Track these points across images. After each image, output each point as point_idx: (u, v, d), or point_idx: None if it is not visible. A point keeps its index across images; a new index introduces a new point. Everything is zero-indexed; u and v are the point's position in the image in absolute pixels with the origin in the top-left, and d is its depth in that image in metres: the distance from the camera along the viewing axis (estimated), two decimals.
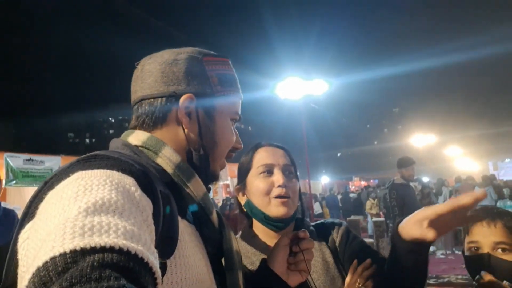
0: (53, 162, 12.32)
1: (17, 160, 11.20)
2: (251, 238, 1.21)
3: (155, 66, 0.82)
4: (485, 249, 1.20)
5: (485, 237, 1.21)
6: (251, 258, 1.16)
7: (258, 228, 1.22)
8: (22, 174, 11.22)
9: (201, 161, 0.81)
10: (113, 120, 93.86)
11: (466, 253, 1.27)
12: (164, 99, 0.80)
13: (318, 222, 1.33)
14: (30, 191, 12.09)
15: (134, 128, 0.83)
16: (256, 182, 1.17)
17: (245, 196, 1.23)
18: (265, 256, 1.07)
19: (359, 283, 1.11)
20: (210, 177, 0.83)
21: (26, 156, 11.54)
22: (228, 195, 14.41)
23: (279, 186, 1.14)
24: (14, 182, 10.64)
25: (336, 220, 1.32)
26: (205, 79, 0.83)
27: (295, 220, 1.23)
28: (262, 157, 1.20)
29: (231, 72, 0.89)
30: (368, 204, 11.43)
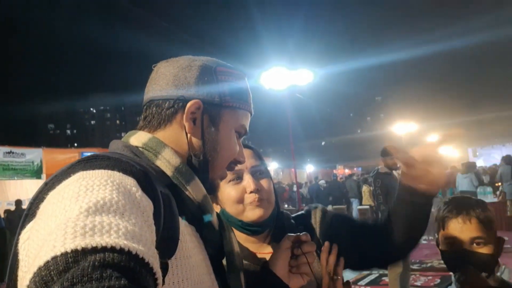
0: (34, 155, 12.11)
1: None
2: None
3: (169, 70, 0.83)
4: (462, 244, 1.23)
5: (461, 233, 1.24)
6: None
7: (238, 235, 1.14)
8: (3, 167, 11.00)
9: (200, 166, 0.81)
10: (94, 111, 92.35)
11: (442, 247, 1.31)
12: (171, 101, 0.80)
13: (297, 214, 1.29)
14: (11, 184, 11.91)
15: (140, 129, 0.84)
16: (227, 191, 1.11)
17: (218, 205, 1.17)
18: (248, 263, 1.07)
19: (331, 274, 1.09)
20: (208, 186, 0.82)
21: (7, 148, 11.31)
22: None
23: (251, 192, 1.09)
24: None
25: (312, 205, 1.29)
26: (215, 88, 0.82)
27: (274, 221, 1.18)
28: None
29: (243, 86, 0.89)
30: (366, 190, 11.39)
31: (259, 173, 1.14)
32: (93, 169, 0.58)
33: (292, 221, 1.22)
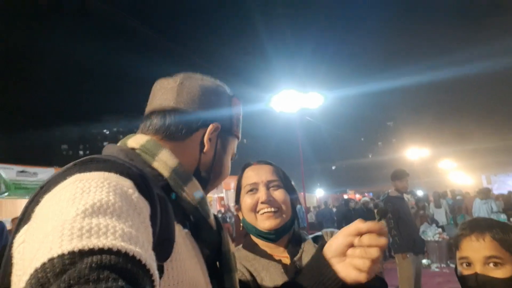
0: (46, 174, 12.24)
1: (10, 171, 11.10)
2: (252, 246, 1.27)
3: (195, 86, 0.88)
4: (476, 264, 1.17)
5: (475, 251, 1.18)
6: (251, 262, 1.21)
7: (256, 241, 1.28)
8: (15, 186, 11.11)
9: (205, 180, 0.87)
10: (107, 132, 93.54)
11: (459, 269, 1.24)
12: (196, 118, 0.86)
13: (315, 234, 1.35)
14: (23, 203, 11.96)
15: (145, 133, 0.86)
16: (244, 201, 1.26)
17: (241, 214, 1.31)
18: (266, 260, 1.18)
19: None
20: None
21: (19, 167, 11.45)
22: (221, 208, 14.33)
23: (262, 202, 1.21)
24: (6, 194, 10.54)
25: (329, 229, 1.36)
26: (230, 117, 0.93)
27: (292, 231, 1.27)
28: (248, 176, 1.29)
29: (241, 116, 0.99)
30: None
31: (273, 186, 1.25)
32: (90, 171, 0.58)
33: (309, 237, 1.31)
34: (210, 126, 0.86)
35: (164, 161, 0.78)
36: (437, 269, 8.77)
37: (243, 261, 1.21)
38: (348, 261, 0.83)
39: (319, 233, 1.35)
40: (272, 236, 1.21)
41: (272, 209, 1.21)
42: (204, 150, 0.85)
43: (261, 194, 1.23)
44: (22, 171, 11.48)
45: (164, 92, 0.88)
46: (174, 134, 0.84)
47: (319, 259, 0.87)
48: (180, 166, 0.79)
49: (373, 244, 0.81)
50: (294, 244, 1.24)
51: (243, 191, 1.29)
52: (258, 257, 1.22)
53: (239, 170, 1.36)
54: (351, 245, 0.84)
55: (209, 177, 0.88)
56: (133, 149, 0.80)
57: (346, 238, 0.84)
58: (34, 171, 11.89)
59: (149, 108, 0.90)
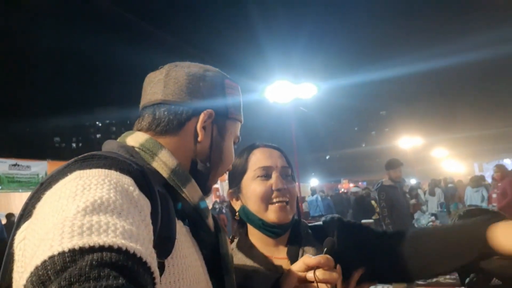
0: (39, 167, 12.18)
1: (2, 165, 11.04)
2: (248, 249, 1.13)
3: (181, 75, 0.85)
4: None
5: None
6: (246, 271, 1.07)
7: (255, 235, 1.15)
8: (8, 180, 11.06)
9: (204, 171, 0.85)
10: (100, 124, 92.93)
11: None
12: (186, 108, 0.83)
13: (315, 224, 1.25)
14: (16, 196, 11.93)
15: (140, 129, 0.85)
16: (252, 186, 1.10)
17: (239, 201, 1.16)
18: (263, 269, 1.06)
19: None
20: (203, 189, 0.85)
21: (12, 161, 11.39)
22: (217, 199, 14.37)
23: (277, 190, 1.08)
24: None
25: (328, 217, 1.24)
26: (224, 100, 0.88)
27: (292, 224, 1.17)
28: (258, 159, 1.13)
29: (240, 98, 0.95)
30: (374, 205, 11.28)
31: (286, 174, 1.14)
32: (90, 168, 0.58)
33: (309, 230, 1.19)
34: (202, 114, 0.83)
35: (164, 162, 0.77)
36: None
37: (238, 266, 1.06)
38: None
39: (319, 223, 1.24)
40: (279, 230, 1.10)
41: (286, 199, 1.09)
42: (199, 139, 0.83)
43: (276, 181, 1.09)
44: (15, 165, 11.41)
45: (153, 86, 0.87)
46: (166, 127, 0.82)
47: None
48: (179, 167, 0.78)
49: (324, 280, 0.85)
50: (294, 243, 1.13)
51: (249, 175, 1.12)
52: (256, 264, 1.09)
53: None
54: (304, 280, 0.88)
55: (209, 166, 0.86)
56: (132, 147, 0.79)
57: (296, 275, 0.89)
58: (27, 164, 11.83)
59: (141, 104, 0.89)
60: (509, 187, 6.86)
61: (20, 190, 11.59)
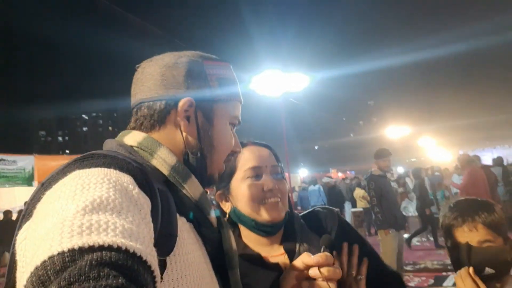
0: (26, 162, 11.99)
1: None
2: (242, 251, 1.09)
3: (155, 69, 0.81)
4: (470, 248, 1.22)
5: (468, 240, 1.23)
6: (245, 270, 1.03)
7: (247, 236, 1.13)
8: None
9: (197, 163, 0.81)
10: (86, 117, 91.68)
11: (450, 252, 1.30)
12: (163, 102, 0.79)
13: (307, 212, 1.23)
14: (3, 191, 11.76)
15: (132, 129, 0.83)
16: (243, 188, 1.08)
17: (229, 202, 1.13)
18: (262, 268, 1.05)
19: (353, 274, 1.06)
20: (206, 180, 0.83)
21: None
22: (209, 191, 14.33)
23: (269, 190, 1.07)
24: None
25: (326, 209, 1.21)
26: (205, 83, 0.82)
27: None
28: (248, 159, 1.10)
29: (231, 76, 0.88)
30: (360, 192, 11.36)
31: (277, 174, 1.12)
32: (89, 167, 0.58)
33: (302, 220, 1.18)
34: (180, 104, 0.79)
35: (163, 159, 0.76)
36: (418, 243, 9.05)
37: None
38: None
39: (310, 210, 1.23)
40: (272, 229, 1.09)
41: (278, 199, 1.08)
42: (182, 130, 0.79)
43: (267, 182, 1.07)
44: (1, 159, 11.22)
45: (135, 87, 0.85)
46: (151, 124, 0.81)
47: None
48: (179, 163, 0.77)
49: (329, 277, 0.84)
50: (289, 238, 1.11)
51: (239, 175, 1.10)
52: (253, 266, 1.07)
53: None
54: (305, 277, 0.88)
55: (200, 156, 0.82)
56: (131, 146, 0.78)
57: (296, 273, 0.89)
58: (13, 159, 11.63)
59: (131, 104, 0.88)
60: (466, 177, 7.07)
61: (7, 185, 11.43)
